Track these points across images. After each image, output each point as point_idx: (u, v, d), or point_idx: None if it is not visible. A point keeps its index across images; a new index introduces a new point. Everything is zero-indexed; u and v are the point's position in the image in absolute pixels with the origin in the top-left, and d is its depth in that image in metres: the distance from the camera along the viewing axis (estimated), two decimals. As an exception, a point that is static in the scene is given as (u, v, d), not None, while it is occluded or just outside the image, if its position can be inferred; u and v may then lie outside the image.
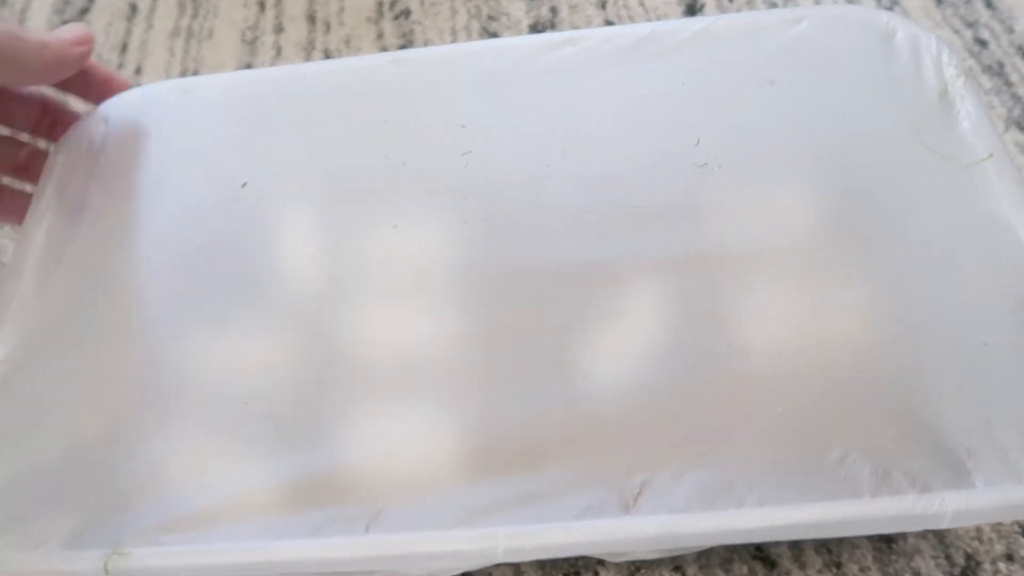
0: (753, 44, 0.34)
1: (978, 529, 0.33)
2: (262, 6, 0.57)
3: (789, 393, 0.25)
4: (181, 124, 0.35)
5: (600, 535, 0.23)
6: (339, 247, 0.31)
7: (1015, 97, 0.45)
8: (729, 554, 0.34)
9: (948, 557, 0.33)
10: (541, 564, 0.34)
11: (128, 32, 0.56)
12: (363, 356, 0.28)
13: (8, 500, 0.26)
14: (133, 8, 0.58)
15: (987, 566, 0.32)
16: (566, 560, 0.34)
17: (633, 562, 0.34)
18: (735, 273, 0.28)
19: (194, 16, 0.57)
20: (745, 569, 0.33)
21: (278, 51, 0.54)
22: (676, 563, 0.34)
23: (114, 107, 0.36)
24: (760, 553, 0.34)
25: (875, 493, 0.23)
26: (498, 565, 0.34)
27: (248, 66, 0.53)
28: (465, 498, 0.24)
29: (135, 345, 0.29)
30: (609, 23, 0.52)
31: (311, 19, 0.56)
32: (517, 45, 0.36)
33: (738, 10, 0.51)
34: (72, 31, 0.33)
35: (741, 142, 0.31)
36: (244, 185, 0.33)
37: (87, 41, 0.33)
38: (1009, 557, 0.32)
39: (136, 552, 0.24)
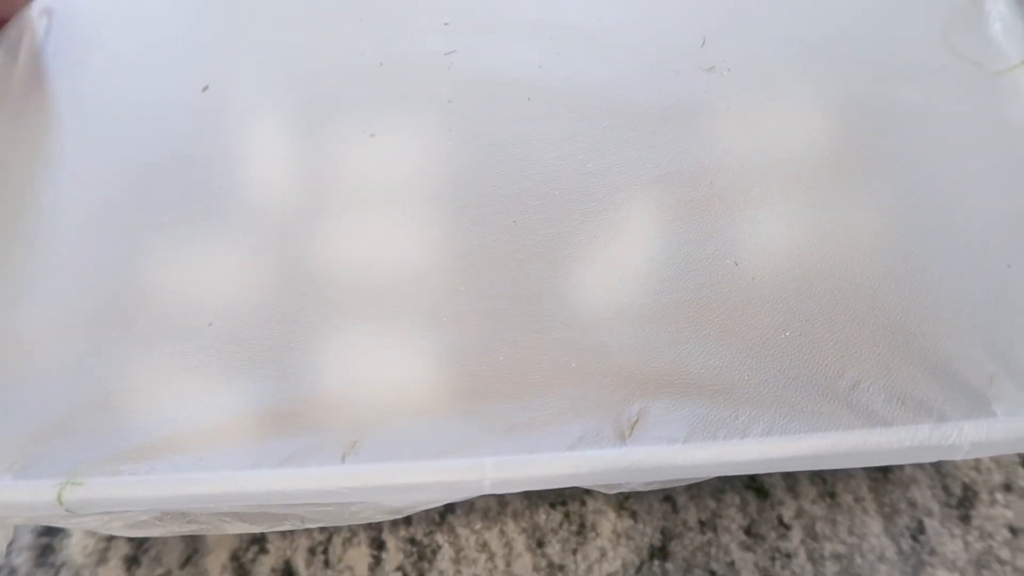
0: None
1: (976, 459, 0.32)
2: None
3: (797, 317, 0.23)
4: (134, 19, 0.32)
5: (593, 466, 0.21)
6: (311, 157, 0.28)
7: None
8: (721, 484, 0.33)
9: (945, 487, 0.32)
10: (526, 494, 0.33)
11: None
12: (338, 276, 0.25)
13: (-48, 427, 0.24)
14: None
15: (984, 496, 0.31)
16: (552, 490, 0.33)
17: (622, 491, 0.33)
18: (742, 188, 0.26)
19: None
20: (737, 499, 0.32)
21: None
22: (666, 492, 0.33)
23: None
24: (753, 483, 0.33)
25: (889, 423, 0.21)
26: (481, 495, 0.33)
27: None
28: (449, 427, 0.23)
29: (88, 259, 0.27)
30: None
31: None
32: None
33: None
34: None
35: (752, 44, 0.29)
36: (205, 88, 0.30)
37: None
38: (1007, 487, 0.32)
39: (92, 482, 0.22)
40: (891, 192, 0.25)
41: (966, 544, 0.31)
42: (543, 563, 0.32)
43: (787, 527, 0.32)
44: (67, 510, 0.22)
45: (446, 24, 0.30)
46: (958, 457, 0.21)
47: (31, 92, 0.30)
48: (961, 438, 0.21)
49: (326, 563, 0.32)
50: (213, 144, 0.29)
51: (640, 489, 0.24)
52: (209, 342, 0.25)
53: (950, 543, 0.31)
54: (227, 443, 0.23)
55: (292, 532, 0.32)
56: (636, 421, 0.22)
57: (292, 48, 0.31)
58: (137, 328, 0.25)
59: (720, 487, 0.33)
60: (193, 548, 0.32)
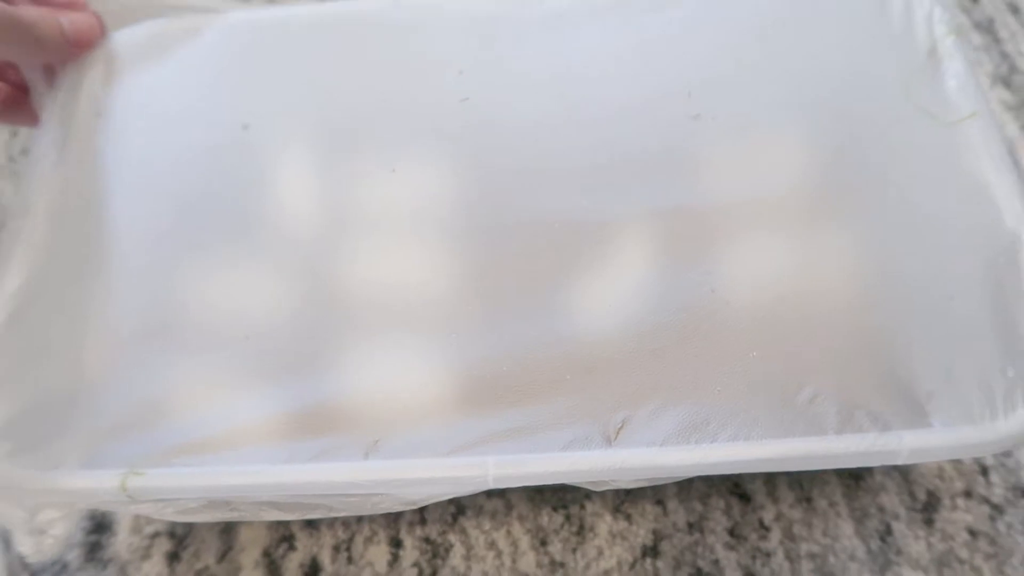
0: (750, -2, 0.35)
1: (940, 468, 0.35)
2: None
3: (765, 338, 0.27)
4: (185, 63, 0.36)
5: (583, 465, 0.25)
6: (338, 187, 0.32)
7: (1003, 54, 0.46)
8: (708, 489, 0.36)
9: (911, 493, 0.35)
10: (531, 498, 0.36)
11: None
12: (361, 294, 0.29)
13: (27, 424, 0.28)
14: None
15: (947, 502, 0.34)
16: (554, 494, 0.36)
17: (617, 495, 0.36)
18: (721, 222, 0.29)
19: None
20: (722, 503, 0.36)
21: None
22: (658, 497, 0.36)
23: (120, 43, 0.36)
24: (737, 488, 0.36)
25: (839, 431, 0.25)
26: (490, 497, 0.36)
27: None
28: (458, 429, 0.26)
29: (143, 280, 0.31)
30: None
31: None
32: (517, -6, 0.36)
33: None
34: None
35: (732, 95, 0.32)
36: (246, 127, 0.34)
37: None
38: (968, 494, 0.35)
39: (151, 472, 0.26)
40: (852, 229, 0.29)
41: (929, 545, 0.34)
42: (546, 560, 0.35)
43: (767, 529, 0.35)
44: (128, 496, 0.26)
45: (461, 73, 0.34)
46: (898, 462, 0.24)
47: (93, 130, 0.34)
48: (901, 445, 0.24)
49: (349, 559, 0.35)
50: (252, 176, 0.33)
51: (627, 487, 0.28)
52: (247, 353, 0.29)
53: (915, 544, 0.34)
54: (265, 440, 0.27)
55: (318, 530, 0.35)
56: (621, 427, 0.25)
57: (323, 92, 0.35)
58: (186, 340, 0.29)
59: (706, 492, 0.36)
60: (228, 545, 0.35)
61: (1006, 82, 0.45)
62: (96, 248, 0.31)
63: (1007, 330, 0.26)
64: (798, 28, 0.34)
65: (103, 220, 0.32)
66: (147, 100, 0.35)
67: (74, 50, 0.35)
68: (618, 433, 0.25)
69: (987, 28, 0.47)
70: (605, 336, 0.27)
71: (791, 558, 0.34)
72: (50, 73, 0.35)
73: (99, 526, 0.36)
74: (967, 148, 0.29)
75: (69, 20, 0.34)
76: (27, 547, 0.27)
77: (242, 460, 0.26)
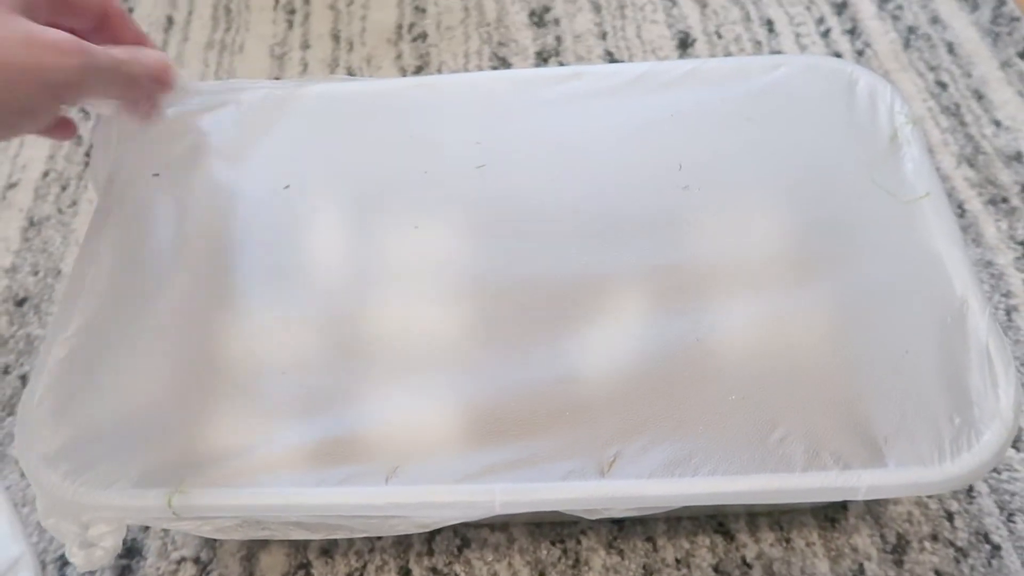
0: (735, 85, 0.39)
1: (909, 512, 0.38)
2: (290, 23, 0.62)
3: (743, 384, 0.30)
4: (234, 130, 0.40)
5: (579, 494, 0.28)
6: (367, 244, 0.36)
7: (968, 136, 0.50)
8: (694, 527, 0.39)
9: (883, 536, 0.38)
10: (531, 532, 0.39)
11: (165, 43, 0.61)
12: (384, 338, 0.33)
13: (84, 447, 0.31)
14: (170, 20, 0.63)
15: (915, 544, 0.37)
16: (552, 529, 0.39)
17: (611, 531, 0.39)
18: (706, 281, 0.33)
19: (227, 30, 0.62)
20: (708, 541, 0.38)
21: (304, 66, 0.59)
22: (648, 534, 0.39)
23: (175, 109, 0.40)
24: (721, 527, 0.39)
25: (805, 469, 0.28)
26: (493, 531, 0.39)
27: (276, 79, 0.57)
28: (469, 460, 0.29)
29: (189, 321, 0.34)
30: (608, 53, 0.57)
31: (335, 38, 0.60)
32: (531, 76, 0.41)
33: (726, 47, 0.56)
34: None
35: (718, 169, 0.37)
36: (287, 187, 0.38)
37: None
38: (934, 537, 0.38)
39: (195, 491, 0.29)
40: (820, 291, 0.32)
41: (898, 585, 0.37)
42: (543, 591, 0.38)
43: (749, 566, 0.38)
44: (174, 513, 0.29)
45: (478, 144, 0.38)
46: (858, 498, 0.27)
47: (150, 186, 0.38)
48: (860, 482, 0.27)
49: (362, 586, 0.38)
50: (291, 230, 0.37)
51: (619, 516, 0.31)
52: (283, 387, 0.32)
53: (885, 584, 0.37)
54: (297, 466, 0.30)
55: (333, 559, 0.38)
56: (613, 460, 0.29)
57: (354, 157, 0.39)
58: (228, 375, 0.33)
59: (693, 530, 0.39)
60: (249, 571, 0.38)
61: (970, 162, 0.49)
62: (149, 292, 0.35)
63: (955, 382, 0.29)
64: (776, 113, 0.38)
65: (155, 267, 0.36)
66: (200, 161, 0.39)
67: (156, 87, 0.36)
68: (611, 466, 0.28)
69: (954, 112, 0.51)
70: (601, 379, 0.31)
71: (771, 594, 0.37)
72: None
73: (129, 551, 0.39)
74: (922, 224, 0.33)
75: (148, 57, 0.35)
76: (79, 559, 0.29)
77: (275, 483, 0.29)
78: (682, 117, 0.38)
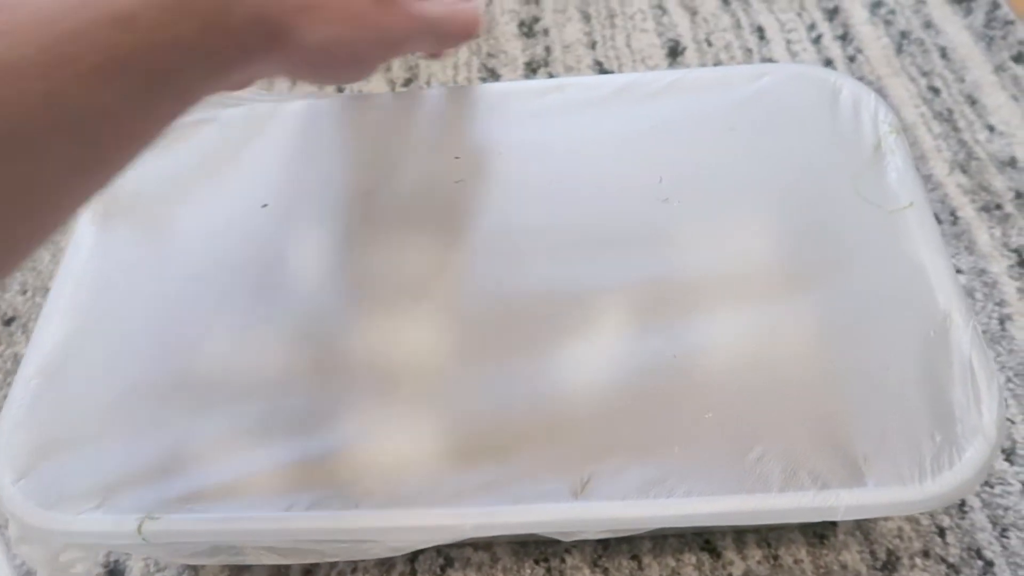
0: (718, 95, 0.39)
1: (899, 528, 0.37)
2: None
3: (720, 402, 0.30)
4: (214, 146, 0.40)
5: (552, 517, 0.27)
6: (344, 262, 0.36)
7: (961, 142, 0.49)
8: (680, 545, 0.38)
9: (872, 552, 0.37)
10: (515, 551, 0.39)
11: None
12: (357, 358, 0.32)
13: (54, 472, 0.31)
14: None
15: (905, 561, 0.37)
16: (536, 548, 0.38)
17: (595, 549, 0.38)
18: (684, 296, 0.32)
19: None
20: (694, 559, 0.38)
21: (293, 81, 0.59)
22: (633, 552, 0.38)
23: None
24: (708, 545, 0.38)
25: (783, 489, 0.27)
26: (476, 550, 0.39)
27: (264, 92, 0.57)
28: (442, 482, 0.29)
29: (161, 342, 0.34)
30: (598, 63, 0.56)
31: (327, 47, 0.60)
32: (511, 89, 0.40)
33: (716, 55, 0.56)
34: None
35: (699, 181, 0.36)
36: (265, 206, 0.37)
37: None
38: (925, 554, 0.37)
39: (166, 517, 0.29)
40: (803, 307, 0.32)
41: (889, 603, 0.36)
42: (527, 611, 0.37)
43: (736, 584, 0.37)
44: (144, 539, 0.29)
45: (457, 158, 0.38)
46: (836, 518, 0.27)
47: (128, 207, 0.38)
48: (838, 502, 0.27)
49: (339, 607, 0.37)
50: (267, 250, 0.36)
51: (594, 538, 0.30)
52: (258, 409, 0.32)
53: (875, 602, 0.36)
54: (269, 490, 0.30)
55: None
56: (587, 481, 0.28)
57: (331, 175, 0.39)
58: (198, 398, 0.32)
59: (679, 548, 0.38)
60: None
61: (963, 168, 0.48)
62: (124, 315, 0.35)
63: (937, 398, 0.29)
64: (759, 123, 0.37)
65: (131, 289, 0.35)
66: (178, 179, 0.39)
67: (461, 41, 0.36)
68: (584, 487, 0.28)
69: (946, 118, 0.51)
70: (576, 397, 0.30)
71: (758, 613, 0.36)
72: None
73: (112, 572, 0.39)
74: (905, 234, 0.33)
75: (464, 15, 0.35)
76: (50, 584, 0.29)
77: (247, 508, 0.29)
78: (664, 129, 0.38)
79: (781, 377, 0.30)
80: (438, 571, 0.38)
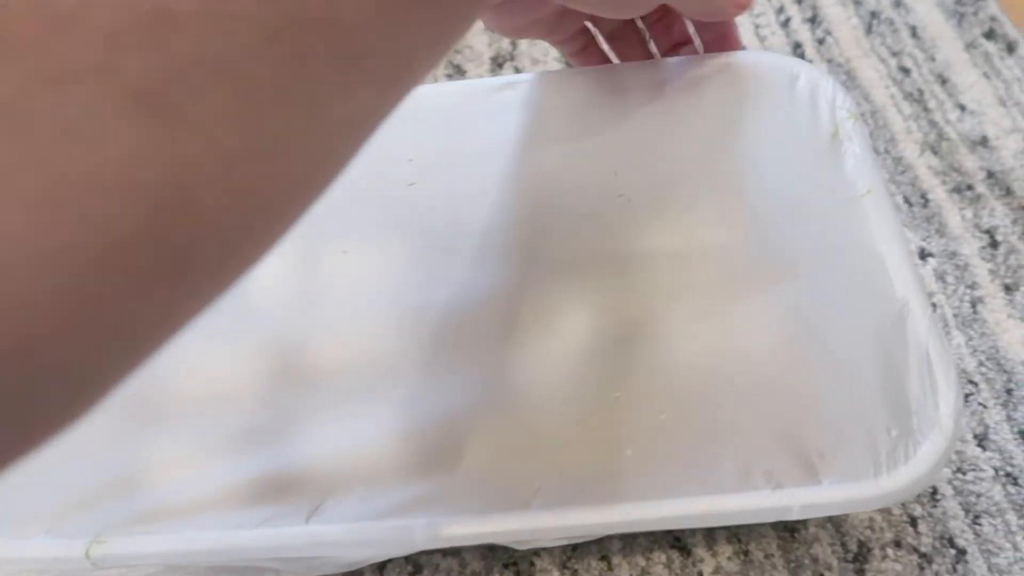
0: (673, 85, 0.38)
1: (871, 519, 0.37)
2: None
3: (672, 401, 0.29)
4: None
5: (501, 527, 0.27)
6: (292, 271, 0.35)
7: (931, 123, 0.48)
8: (650, 544, 0.38)
9: (843, 544, 0.37)
10: (484, 556, 0.38)
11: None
12: (310, 371, 0.32)
13: (1, 497, 0.30)
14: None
15: (877, 551, 0.36)
16: (506, 552, 0.38)
17: (564, 551, 0.38)
18: (637, 294, 0.32)
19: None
20: (664, 557, 0.37)
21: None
22: (603, 552, 0.38)
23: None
24: (678, 543, 0.38)
25: (736, 490, 0.27)
26: (445, 556, 0.38)
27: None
28: (393, 493, 0.28)
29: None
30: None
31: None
32: (462, 89, 0.40)
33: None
34: None
35: (654, 174, 0.35)
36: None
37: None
38: (897, 544, 0.36)
39: (114, 540, 0.28)
40: (757, 302, 0.31)
41: (860, 595, 0.35)
42: (495, 616, 0.37)
43: (706, 582, 0.37)
44: (92, 564, 0.28)
45: (409, 160, 0.37)
46: (791, 518, 0.26)
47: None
48: (792, 502, 0.26)
49: (308, 614, 0.37)
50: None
51: (550, 545, 0.30)
52: (207, 425, 0.31)
53: (847, 594, 0.36)
54: (223, 507, 0.29)
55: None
56: (539, 489, 0.28)
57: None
58: (146, 415, 0.32)
59: (648, 547, 0.38)
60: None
61: (934, 149, 0.48)
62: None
63: (894, 391, 0.28)
64: (715, 113, 0.37)
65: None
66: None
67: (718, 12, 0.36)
68: (536, 495, 0.27)
69: (917, 99, 0.50)
70: (528, 403, 0.30)
71: (729, 610, 0.36)
72: None
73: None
74: (863, 223, 0.32)
75: None
76: (0, 612, 0.29)
77: (197, 527, 0.29)
78: (618, 122, 0.37)
79: (736, 375, 0.30)
80: (408, 578, 0.38)
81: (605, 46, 0.41)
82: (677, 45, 0.40)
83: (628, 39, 0.41)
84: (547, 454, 0.28)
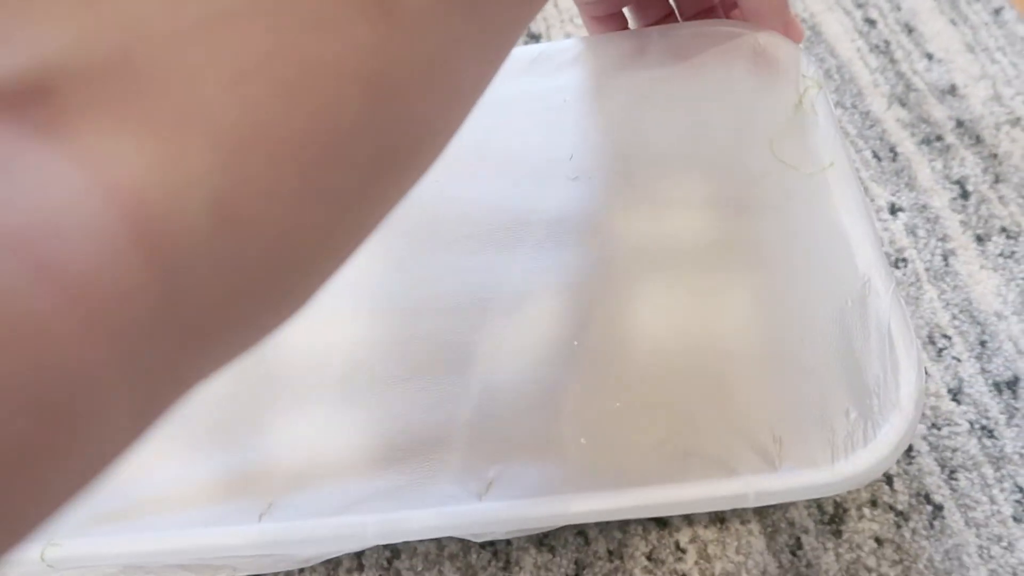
0: (631, 60, 0.37)
1: (847, 478, 0.36)
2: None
3: (627, 390, 0.28)
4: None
5: (453, 521, 0.27)
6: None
7: (899, 74, 0.47)
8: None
9: (819, 506, 0.36)
10: (460, 538, 0.38)
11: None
12: (263, 367, 0.31)
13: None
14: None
15: (853, 512, 0.36)
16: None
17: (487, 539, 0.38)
18: (591, 280, 0.31)
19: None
20: (640, 529, 0.37)
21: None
22: (579, 528, 0.38)
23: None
24: (655, 514, 0.37)
25: (692, 478, 0.26)
26: (423, 540, 0.38)
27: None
28: (345, 489, 0.28)
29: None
30: (533, 36, 0.54)
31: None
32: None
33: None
34: None
35: (609, 156, 0.34)
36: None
37: None
38: (873, 503, 0.36)
39: (69, 543, 0.28)
40: (714, 282, 0.30)
41: (837, 556, 0.35)
42: (475, 596, 0.37)
43: (683, 551, 0.36)
44: (48, 566, 0.28)
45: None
46: (746, 505, 0.26)
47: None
48: (747, 489, 0.26)
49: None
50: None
51: (506, 537, 0.29)
52: (167, 421, 0.31)
53: (824, 556, 0.35)
54: (173, 508, 0.29)
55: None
56: (491, 482, 0.27)
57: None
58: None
59: (625, 520, 0.37)
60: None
61: (902, 101, 0.46)
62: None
63: (853, 372, 0.27)
64: (674, 88, 0.35)
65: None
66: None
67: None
68: (488, 488, 0.27)
69: (883, 50, 0.48)
70: (481, 394, 0.29)
71: (705, 576, 0.36)
72: None
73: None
74: (825, 197, 0.31)
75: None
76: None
77: (152, 527, 0.28)
78: (575, 101, 0.36)
79: (692, 360, 0.29)
80: (385, 564, 0.38)
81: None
82: (707, 11, 0.39)
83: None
84: (500, 446, 0.28)
